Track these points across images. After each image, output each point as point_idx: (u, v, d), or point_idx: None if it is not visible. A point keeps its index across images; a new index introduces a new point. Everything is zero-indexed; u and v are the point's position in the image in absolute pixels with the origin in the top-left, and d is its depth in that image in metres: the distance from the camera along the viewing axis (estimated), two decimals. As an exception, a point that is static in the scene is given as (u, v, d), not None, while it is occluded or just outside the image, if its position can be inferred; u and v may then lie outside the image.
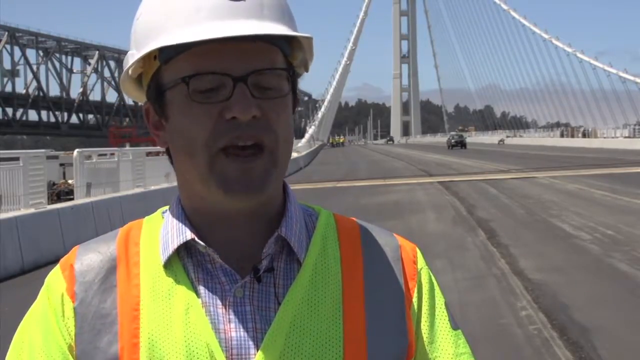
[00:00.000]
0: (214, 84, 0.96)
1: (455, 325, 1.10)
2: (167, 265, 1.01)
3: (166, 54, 0.97)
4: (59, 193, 19.84)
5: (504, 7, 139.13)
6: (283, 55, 1.00)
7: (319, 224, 1.08)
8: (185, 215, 1.03)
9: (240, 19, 0.95)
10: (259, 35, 0.95)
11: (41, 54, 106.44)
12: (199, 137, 0.96)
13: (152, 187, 17.88)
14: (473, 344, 1.13)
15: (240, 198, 0.98)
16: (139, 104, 1.10)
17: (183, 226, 1.02)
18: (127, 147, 31.10)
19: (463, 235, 12.78)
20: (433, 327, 1.08)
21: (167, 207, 1.09)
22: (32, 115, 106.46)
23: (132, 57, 1.01)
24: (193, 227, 1.02)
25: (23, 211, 12.15)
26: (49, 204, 14.11)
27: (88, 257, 1.04)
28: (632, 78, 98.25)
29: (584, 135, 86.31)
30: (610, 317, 7.14)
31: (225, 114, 0.95)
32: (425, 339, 1.07)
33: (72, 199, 15.59)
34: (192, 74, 0.95)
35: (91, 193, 15.56)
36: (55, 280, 1.04)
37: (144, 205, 14.87)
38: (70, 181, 19.05)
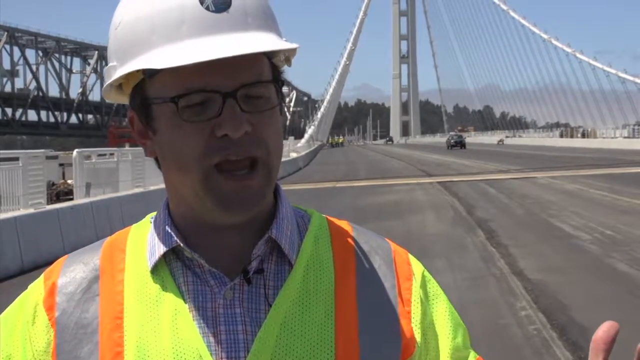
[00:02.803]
0: (203, 100, 0.94)
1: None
2: (154, 271, 1.01)
3: (151, 70, 0.95)
4: (58, 193, 19.86)
5: (504, 7, 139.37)
6: (267, 58, 0.99)
7: (311, 225, 1.07)
8: (172, 221, 1.02)
9: (225, 33, 0.93)
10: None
11: (40, 54, 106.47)
12: (190, 154, 0.95)
13: (152, 187, 17.84)
14: (473, 344, 1.14)
15: (238, 215, 0.97)
16: None
17: (170, 232, 1.01)
18: (127, 147, 31.03)
19: (462, 236, 12.78)
20: (445, 318, 1.09)
21: (155, 213, 1.08)
22: (32, 115, 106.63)
23: (114, 70, 0.99)
24: (180, 233, 1.01)
25: (22, 211, 12.14)
26: (48, 204, 14.09)
27: (71, 268, 1.04)
28: (631, 78, 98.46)
29: (583, 136, 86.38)
30: (610, 317, 7.02)
31: (216, 131, 0.94)
32: (447, 329, 1.09)
33: (72, 199, 15.57)
34: (181, 94, 0.94)
35: (90, 193, 15.54)
36: (34, 289, 1.05)
37: (143, 205, 14.88)
38: (69, 181, 19.04)
